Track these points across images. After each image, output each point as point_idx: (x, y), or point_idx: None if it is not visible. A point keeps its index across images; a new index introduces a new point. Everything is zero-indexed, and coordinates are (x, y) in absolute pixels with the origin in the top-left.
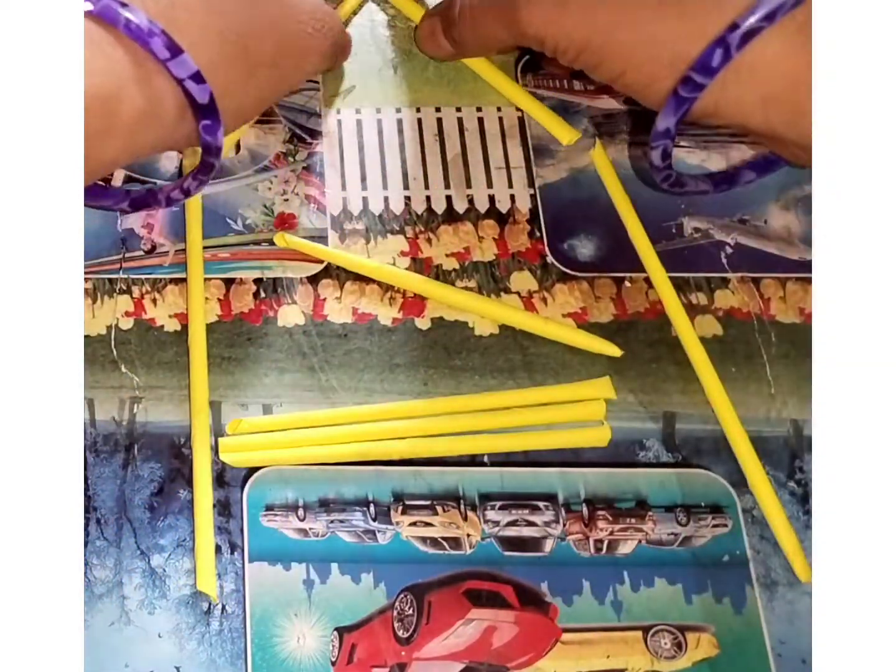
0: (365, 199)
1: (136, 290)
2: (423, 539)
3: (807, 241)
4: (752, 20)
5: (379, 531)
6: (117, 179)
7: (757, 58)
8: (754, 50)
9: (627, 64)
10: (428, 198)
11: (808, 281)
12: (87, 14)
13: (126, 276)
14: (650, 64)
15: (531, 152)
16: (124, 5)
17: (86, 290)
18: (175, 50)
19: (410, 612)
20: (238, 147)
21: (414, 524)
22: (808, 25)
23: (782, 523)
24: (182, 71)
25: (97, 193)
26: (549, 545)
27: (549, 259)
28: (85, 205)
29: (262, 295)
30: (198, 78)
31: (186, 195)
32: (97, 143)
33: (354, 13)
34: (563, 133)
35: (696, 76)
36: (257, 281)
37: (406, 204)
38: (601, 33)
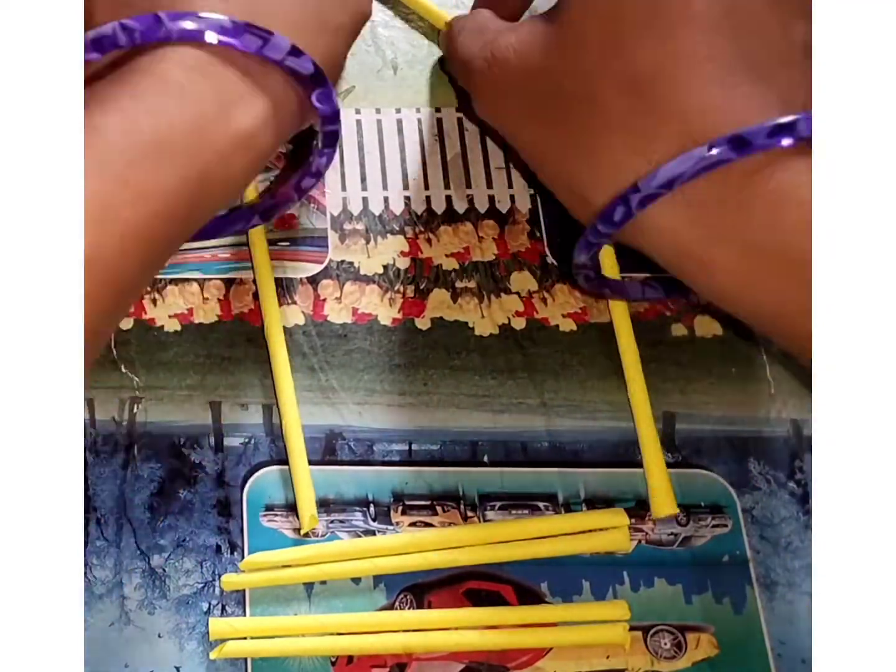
0: (365, 200)
1: None
2: None
3: None
4: (651, 184)
5: (379, 531)
6: None
7: (653, 222)
8: (652, 214)
9: (550, 186)
10: (428, 198)
11: None
12: (168, 42)
13: None
14: (566, 196)
15: None
16: (197, 17)
17: None
18: (265, 35)
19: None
20: None
21: (414, 524)
22: (697, 203)
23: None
24: (277, 52)
25: (225, 222)
26: None
27: (549, 259)
28: (217, 237)
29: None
30: (295, 51)
31: (318, 177)
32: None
33: None
34: None
35: (600, 226)
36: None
37: (406, 204)
38: (526, 153)
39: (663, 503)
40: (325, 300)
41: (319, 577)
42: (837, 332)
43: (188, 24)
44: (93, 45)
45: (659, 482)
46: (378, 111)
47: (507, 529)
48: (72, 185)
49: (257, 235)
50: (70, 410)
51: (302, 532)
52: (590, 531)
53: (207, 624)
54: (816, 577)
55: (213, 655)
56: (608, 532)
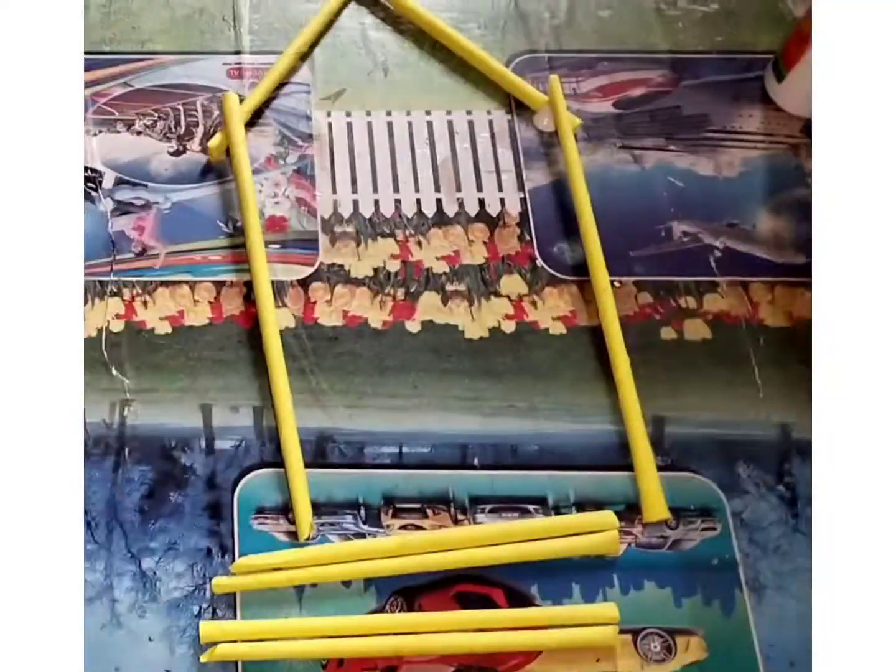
0: (355, 202)
1: (126, 293)
2: None
3: (795, 245)
4: None
5: (369, 534)
6: (108, 182)
7: None
8: None
9: None
10: (418, 201)
11: (796, 285)
12: None
13: (117, 278)
14: None
15: (521, 156)
16: None
17: None
18: None
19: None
20: None
21: (404, 527)
22: None
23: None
24: None
25: None
26: None
27: (539, 262)
28: None
29: (253, 297)
30: None
31: None
32: None
33: (336, 15)
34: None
35: None
36: (248, 284)
37: (396, 207)
38: None
39: (655, 508)
40: (315, 303)
41: (310, 579)
42: (837, 332)
43: None
44: None
45: (650, 487)
46: (368, 114)
47: (497, 531)
48: (71, 187)
49: (254, 240)
50: (69, 411)
51: (301, 538)
52: (579, 534)
53: (198, 627)
54: (817, 578)
55: (203, 658)
56: (597, 535)
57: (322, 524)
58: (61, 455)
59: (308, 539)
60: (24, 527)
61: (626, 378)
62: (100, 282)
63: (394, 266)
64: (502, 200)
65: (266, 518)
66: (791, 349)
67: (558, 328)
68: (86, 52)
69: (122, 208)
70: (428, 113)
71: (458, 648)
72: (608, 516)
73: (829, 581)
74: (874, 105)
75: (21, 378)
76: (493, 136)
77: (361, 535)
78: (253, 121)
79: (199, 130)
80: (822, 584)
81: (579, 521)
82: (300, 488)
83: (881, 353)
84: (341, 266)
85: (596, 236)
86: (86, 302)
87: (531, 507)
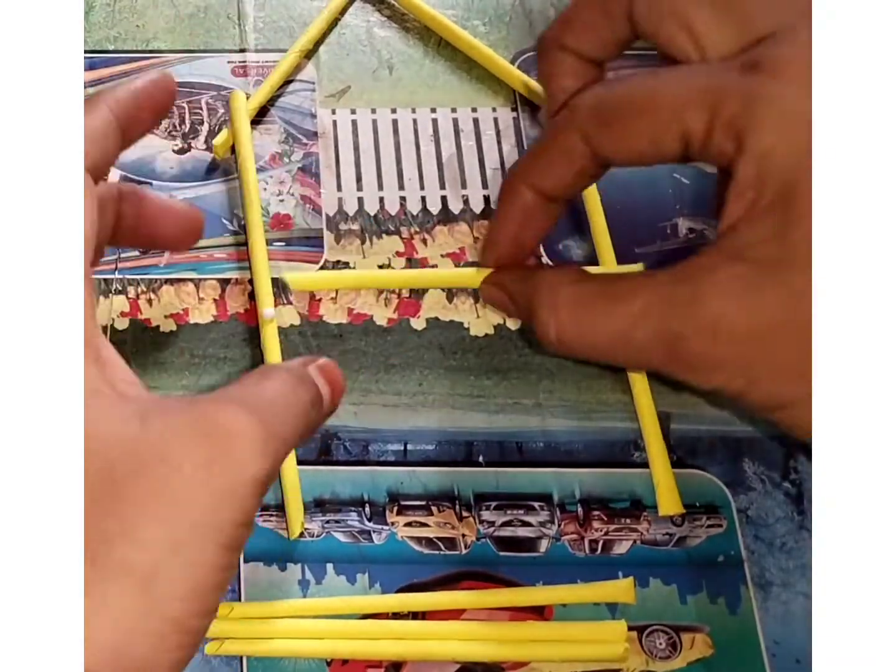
0: (360, 200)
1: (131, 291)
2: (419, 539)
3: None
4: None
5: (374, 531)
6: (113, 180)
7: None
8: None
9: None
10: (423, 198)
11: None
12: None
13: (121, 276)
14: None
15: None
16: None
17: None
18: None
19: (406, 612)
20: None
21: (409, 524)
22: None
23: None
24: None
25: None
26: (544, 545)
27: (545, 259)
28: None
29: None
30: None
31: None
32: None
33: (341, 13)
34: None
35: None
36: (252, 281)
37: (401, 204)
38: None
39: (669, 502)
40: (320, 300)
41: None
42: (838, 331)
43: None
44: None
45: (665, 481)
46: (373, 111)
47: (506, 630)
48: (72, 185)
49: (256, 236)
50: (70, 410)
51: (291, 537)
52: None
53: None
54: (817, 579)
55: (208, 650)
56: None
57: (327, 521)
58: (63, 453)
59: (299, 537)
60: (26, 526)
61: (637, 374)
62: (104, 280)
63: (399, 263)
64: None
65: (270, 515)
66: None
67: None
68: (90, 51)
69: None
70: (433, 110)
71: (463, 657)
72: (619, 626)
73: (830, 578)
74: (875, 102)
75: (21, 378)
76: (498, 133)
77: (366, 532)
78: (258, 119)
79: (204, 128)
80: (822, 580)
81: (587, 629)
82: (292, 487)
83: (882, 349)
84: (346, 263)
85: (606, 233)
86: None
87: (536, 504)
